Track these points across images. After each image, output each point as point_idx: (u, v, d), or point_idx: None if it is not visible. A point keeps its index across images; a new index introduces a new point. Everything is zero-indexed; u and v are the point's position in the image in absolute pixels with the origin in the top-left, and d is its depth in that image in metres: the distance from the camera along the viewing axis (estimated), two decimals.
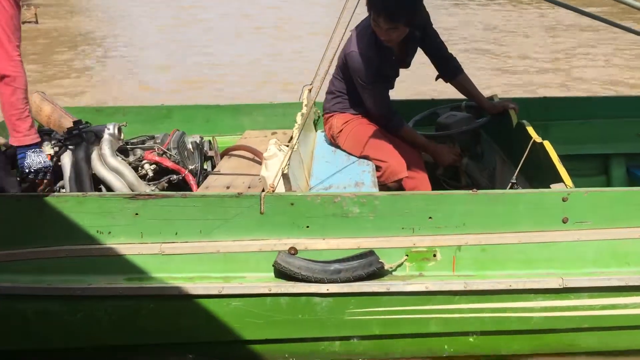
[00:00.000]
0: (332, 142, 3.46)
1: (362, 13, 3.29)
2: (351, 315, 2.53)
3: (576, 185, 4.08)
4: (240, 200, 2.50)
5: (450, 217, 2.50)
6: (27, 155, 2.58)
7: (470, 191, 2.50)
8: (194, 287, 2.51)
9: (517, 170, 2.93)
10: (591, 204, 2.49)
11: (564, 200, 2.47)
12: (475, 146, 3.75)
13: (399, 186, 3.21)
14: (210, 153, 3.49)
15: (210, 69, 8.69)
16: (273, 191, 2.51)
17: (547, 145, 2.86)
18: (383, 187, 3.20)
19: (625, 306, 2.51)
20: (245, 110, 4.04)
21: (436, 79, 3.57)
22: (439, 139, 3.55)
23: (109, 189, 3.00)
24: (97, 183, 3.05)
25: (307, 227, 2.51)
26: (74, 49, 10.34)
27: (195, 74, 8.42)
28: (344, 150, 3.37)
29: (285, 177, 2.56)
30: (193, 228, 2.53)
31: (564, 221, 2.49)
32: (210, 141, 3.58)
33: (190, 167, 3.21)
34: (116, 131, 3.11)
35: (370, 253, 2.47)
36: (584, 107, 3.97)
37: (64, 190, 2.99)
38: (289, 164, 2.61)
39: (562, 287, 2.45)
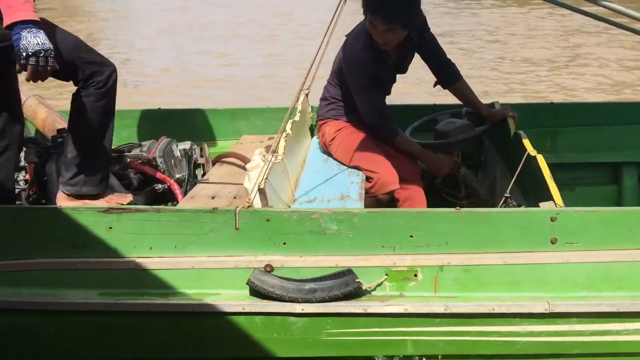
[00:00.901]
0: (325, 150, 3.37)
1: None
2: (328, 335, 2.44)
3: (586, 194, 3.97)
4: (215, 216, 2.43)
5: (433, 236, 2.39)
6: (22, 36, 2.29)
7: (454, 209, 2.39)
8: (167, 304, 2.45)
9: (511, 184, 2.81)
10: (582, 224, 2.36)
11: (552, 220, 2.35)
12: (479, 155, 3.62)
13: (390, 198, 3.11)
14: (201, 160, 3.43)
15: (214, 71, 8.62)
16: (249, 206, 2.43)
17: (540, 159, 2.73)
18: (374, 199, 3.10)
19: (617, 332, 2.37)
20: (243, 114, 3.97)
21: (434, 85, 3.45)
22: (438, 147, 3.43)
23: None
24: None
25: (284, 243, 2.43)
26: None
27: (194, 75, 8.34)
28: (336, 159, 3.27)
29: (261, 192, 2.48)
30: (167, 243, 2.46)
31: (553, 242, 2.37)
32: (201, 148, 3.52)
33: (177, 175, 3.16)
34: None
35: (348, 272, 2.38)
36: (593, 114, 3.82)
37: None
38: (266, 179, 2.53)
39: (548, 311, 2.32)
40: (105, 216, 2.46)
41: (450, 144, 3.36)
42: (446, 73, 3.36)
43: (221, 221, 2.42)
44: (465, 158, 3.60)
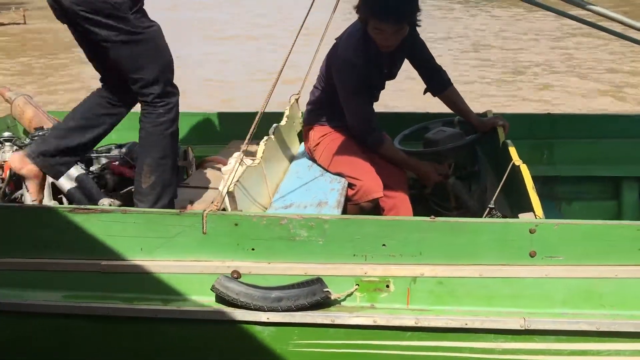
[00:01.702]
0: (310, 156, 3.29)
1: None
2: (295, 347, 2.35)
3: (584, 209, 3.83)
4: (182, 219, 2.35)
5: (406, 245, 2.29)
6: None
7: (428, 218, 2.29)
8: (131, 309, 2.37)
9: (496, 194, 2.71)
10: (562, 238, 2.24)
11: (531, 232, 2.23)
12: (472, 165, 3.52)
13: (374, 206, 3.02)
14: (183, 163, 3.36)
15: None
16: (217, 209, 2.36)
17: (524, 168, 2.63)
18: (357, 206, 3.01)
19: (597, 353, 2.25)
20: (233, 118, 3.91)
21: (424, 92, 3.36)
22: (427, 155, 3.34)
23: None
24: (58, 192, 2.96)
25: (253, 249, 2.35)
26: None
27: (185, 76, 8.31)
28: (320, 165, 3.19)
29: (230, 195, 2.40)
30: (134, 246, 2.39)
31: (532, 255, 2.25)
32: (185, 151, 3.46)
33: None
34: None
35: (316, 281, 2.29)
36: (592, 125, 3.69)
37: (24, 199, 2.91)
38: (237, 182, 2.46)
39: (523, 328, 2.21)
40: (72, 216, 2.39)
41: (439, 153, 3.26)
42: (436, 80, 3.27)
43: (188, 224, 2.35)
44: (458, 168, 3.49)
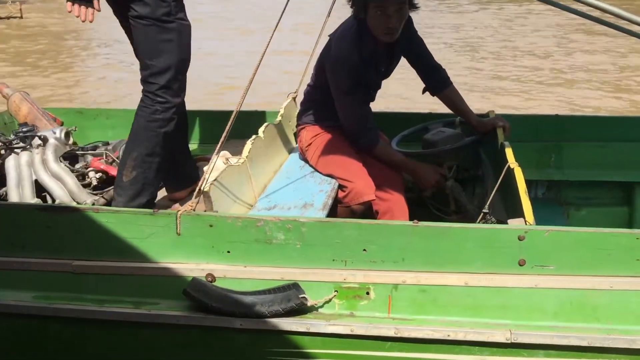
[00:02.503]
0: (303, 156, 3.18)
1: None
2: (270, 355, 2.24)
3: (593, 215, 3.66)
4: (156, 219, 2.26)
5: (387, 251, 2.17)
6: None
7: (411, 222, 2.16)
8: (102, 311, 2.29)
9: (490, 198, 2.56)
10: (553, 246, 2.10)
11: (520, 239, 2.10)
12: (476, 168, 3.37)
13: (365, 209, 2.89)
14: None
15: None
16: (193, 210, 2.26)
17: (517, 171, 2.48)
18: (347, 209, 2.90)
19: None
20: (229, 117, 3.80)
21: (423, 92, 3.22)
22: (424, 157, 3.20)
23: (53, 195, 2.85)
24: (42, 190, 2.90)
25: (228, 252, 2.24)
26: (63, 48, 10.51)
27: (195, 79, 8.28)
28: (312, 166, 3.08)
29: (205, 195, 2.31)
30: (106, 246, 2.31)
31: (521, 264, 2.12)
32: None
33: None
34: (62, 135, 2.95)
35: (292, 286, 2.18)
36: (602, 128, 3.51)
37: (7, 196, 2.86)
38: (214, 182, 2.36)
39: (509, 341, 2.07)
40: (44, 215, 2.32)
41: (436, 154, 3.13)
42: (435, 78, 3.14)
43: (162, 225, 2.26)
44: (460, 171, 3.35)
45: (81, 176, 2.90)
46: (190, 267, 2.26)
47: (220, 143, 2.33)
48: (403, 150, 3.14)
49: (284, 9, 2.39)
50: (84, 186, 2.87)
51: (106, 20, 3.56)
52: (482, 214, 2.58)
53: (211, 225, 2.23)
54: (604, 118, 3.62)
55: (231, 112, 3.93)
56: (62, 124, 3.56)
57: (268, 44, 2.32)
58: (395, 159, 3.04)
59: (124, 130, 3.72)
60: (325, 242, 2.19)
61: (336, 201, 2.90)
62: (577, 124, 3.53)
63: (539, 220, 3.44)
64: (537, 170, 3.58)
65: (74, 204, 2.84)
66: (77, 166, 2.92)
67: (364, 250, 2.17)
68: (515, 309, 2.12)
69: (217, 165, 2.66)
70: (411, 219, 3.22)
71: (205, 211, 2.33)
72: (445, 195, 3.27)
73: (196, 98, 7.17)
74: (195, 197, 2.27)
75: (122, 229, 2.29)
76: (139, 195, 2.62)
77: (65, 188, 2.82)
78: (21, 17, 13.85)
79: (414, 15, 2.98)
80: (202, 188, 2.29)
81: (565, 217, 3.55)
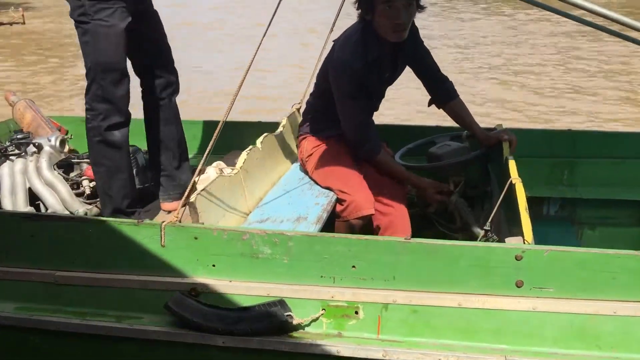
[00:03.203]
0: (303, 167, 3.09)
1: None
2: None
3: (608, 235, 3.50)
4: (140, 230, 2.19)
5: (378, 268, 2.06)
6: None
7: (403, 239, 2.06)
8: (83, 325, 2.21)
9: (492, 215, 2.45)
10: (553, 267, 1.97)
11: (517, 258, 1.98)
12: (485, 184, 3.25)
13: (364, 224, 2.79)
14: None
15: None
16: (178, 221, 2.18)
17: (518, 186, 2.36)
18: (346, 223, 2.80)
19: None
20: (235, 127, 3.73)
21: (429, 104, 3.12)
22: (428, 171, 3.10)
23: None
24: (37, 198, 2.85)
25: (213, 265, 2.16)
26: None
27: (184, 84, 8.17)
28: (311, 178, 2.99)
29: (190, 206, 2.23)
30: (90, 256, 2.24)
31: (518, 285, 1.99)
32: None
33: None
34: (57, 143, 2.91)
35: (277, 303, 2.08)
36: (618, 144, 3.37)
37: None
38: (202, 192, 2.28)
39: None
40: (28, 223, 2.27)
41: (441, 169, 3.02)
42: (440, 90, 3.03)
43: (146, 236, 2.18)
44: (468, 187, 3.24)
45: (75, 184, 2.84)
46: (175, 280, 2.18)
47: (207, 151, 2.25)
48: (407, 164, 3.03)
49: (273, 16, 2.31)
50: (77, 195, 2.82)
51: None
52: (483, 231, 2.47)
53: (196, 238, 2.15)
54: (619, 134, 3.47)
55: (235, 122, 3.91)
56: (67, 133, 3.53)
57: (255, 54, 2.23)
58: (396, 171, 2.94)
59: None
60: (313, 257, 2.09)
61: (334, 215, 2.80)
62: (591, 140, 3.39)
63: (549, 240, 3.33)
64: (549, 187, 3.45)
65: (66, 212, 2.79)
66: (72, 174, 2.87)
67: (353, 266, 2.07)
68: (511, 333, 2.00)
69: (210, 175, 2.60)
70: (415, 235, 3.13)
71: (191, 222, 2.25)
72: (451, 211, 3.16)
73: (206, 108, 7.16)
74: (181, 208, 2.20)
75: (106, 240, 2.22)
76: (104, 205, 2.56)
77: (57, 196, 2.77)
78: (23, 23, 14.03)
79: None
80: (188, 198, 2.21)
81: (577, 236, 3.40)
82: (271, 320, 2.06)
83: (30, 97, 4.03)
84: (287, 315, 2.06)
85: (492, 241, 2.43)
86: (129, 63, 2.74)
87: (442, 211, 3.17)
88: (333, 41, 2.98)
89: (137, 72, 2.77)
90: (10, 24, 14.32)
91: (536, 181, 3.43)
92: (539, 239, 3.29)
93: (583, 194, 3.40)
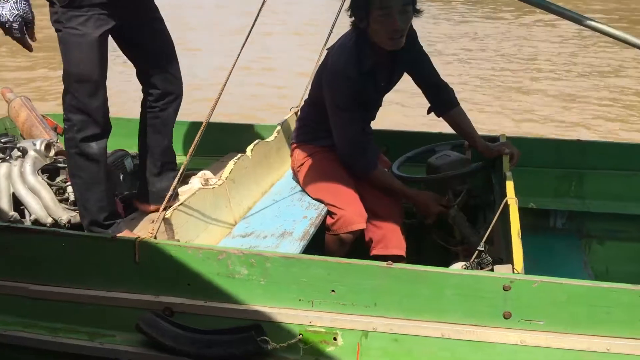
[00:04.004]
0: (295, 177, 2.98)
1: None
2: None
3: (617, 251, 3.34)
4: (114, 245, 2.11)
5: (358, 293, 1.96)
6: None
7: (385, 263, 1.94)
8: (55, 342, 2.14)
9: (486, 235, 2.32)
10: (543, 299, 1.85)
11: (505, 289, 1.86)
12: (488, 195, 3.11)
13: (355, 238, 2.68)
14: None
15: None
16: (153, 237, 2.09)
17: (513, 208, 2.23)
18: (336, 237, 2.69)
19: None
20: (233, 130, 3.64)
21: (428, 112, 2.99)
22: (426, 183, 2.97)
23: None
24: (21, 203, 2.78)
25: (188, 285, 2.07)
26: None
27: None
28: (302, 189, 2.88)
29: (166, 222, 2.14)
30: (65, 271, 2.17)
31: (506, 316, 1.88)
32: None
33: (126, 192, 2.87)
34: (42, 148, 2.83)
35: (252, 327, 1.99)
36: (629, 155, 3.20)
37: None
38: (180, 206, 2.19)
39: None
40: (3, 236, 2.20)
41: (440, 181, 2.89)
42: (440, 98, 2.90)
43: (120, 252, 2.10)
44: (471, 197, 3.10)
45: (61, 190, 2.77)
46: (149, 298, 2.10)
47: (188, 155, 2.15)
48: (404, 175, 2.91)
49: (256, 18, 2.20)
50: (62, 201, 2.74)
51: None
52: (477, 252, 2.34)
53: (171, 255, 2.06)
54: (632, 145, 3.31)
55: (230, 124, 3.82)
56: (62, 132, 3.46)
57: (238, 56, 2.13)
58: (393, 186, 2.81)
59: (123, 139, 3.60)
60: (290, 280, 1.99)
61: (323, 229, 2.70)
62: (601, 151, 3.24)
63: (554, 253, 3.20)
64: (556, 200, 3.30)
65: (49, 219, 2.72)
66: (58, 179, 2.79)
67: (333, 291, 1.97)
68: None
69: (193, 186, 2.50)
70: (412, 248, 3.03)
71: (167, 239, 2.17)
72: (450, 224, 3.03)
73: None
74: (156, 223, 2.11)
75: (79, 254, 2.15)
76: (82, 217, 2.49)
77: (41, 202, 2.70)
78: None
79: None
80: (164, 214, 2.12)
81: (584, 251, 3.25)
82: (245, 345, 1.96)
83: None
84: (262, 340, 1.97)
85: (486, 262, 2.30)
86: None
87: (441, 223, 3.05)
88: (327, 49, 2.86)
89: (138, 77, 2.68)
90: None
91: (543, 192, 3.29)
92: (544, 252, 3.17)
93: (591, 207, 3.25)
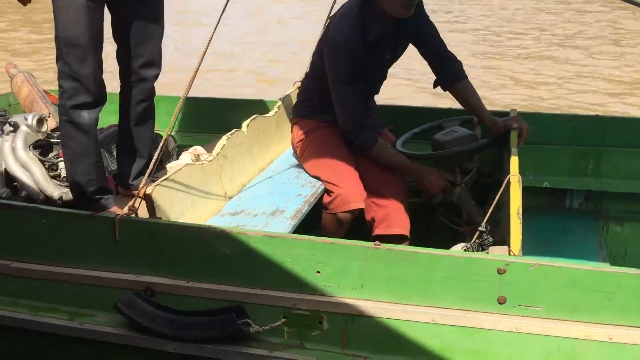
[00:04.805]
0: (294, 153, 2.87)
1: None
2: None
3: (637, 233, 3.17)
4: (94, 222, 2.03)
5: (344, 275, 1.85)
6: None
7: (373, 244, 1.83)
8: (34, 321, 2.08)
9: (488, 214, 2.19)
10: (541, 283, 1.72)
11: (500, 272, 1.73)
12: (501, 173, 2.97)
13: (353, 218, 2.57)
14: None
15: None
16: (134, 214, 2.01)
17: (514, 185, 2.09)
18: (333, 216, 2.57)
19: None
20: (239, 105, 3.53)
21: (434, 85, 2.84)
22: (431, 160, 2.84)
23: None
24: (14, 179, 2.73)
25: (170, 264, 1.99)
26: None
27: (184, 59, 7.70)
28: (301, 165, 2.77)
29: (147, 199, 2.05)
30: (45, 249, 2.10)
31: (500, 302, 1.75)
32: (172, 138, 3.11)
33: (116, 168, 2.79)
34: (34, 122, 2.76)
35: (234, 309, 1.90)
36: None
37: None
38: (163, 182, 2.10)
39: None
40: None
41: (445, 157, 2.75)
42: (446, 70, 2.75)
43: (100, 230, 2.02)
44: (483, 175, 2.96)
45: (54, 166, 2.70)
46: (129, 278, 2.02)
47: (166, 134, 2.05)
48: (406, 152, 2.78)
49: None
50: (54, 177, 2.68)
51: None
52: (478, 232, 2.22)
53: (151, 234, 1.98)
54: None
55: (233, 99, 3.71)
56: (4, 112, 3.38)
57: (211, 38, 2.00)
58: (395, 162, 2.68)
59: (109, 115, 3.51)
60: (274, 260, 1.89)
61: (321, 207, 2.59)
62: (620, 127, 3.05)
63: (569, 235, 3.04)
64: (572, 178, 3.14)
65: (41, 196, 2.66)
66: (51, 155, 2.73)
67: (318, 272, 1.86)
68: (491, 356, 1.76)
69: (182, 162, 2.41)
70: (417, 228, 2.90)
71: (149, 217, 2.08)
72: (457, 204, 2.90)
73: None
74: (136, 200, 2.02)
75: (61, 232, 2.07)
76: (72, 190, 2.43)
77: (32, 178, 2.64)
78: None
79: None
80: (144, 190, 2.03)
81: (600, 232, 3.09)
82: (225, 327, 1.88)
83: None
84: (244, 323, 1.87)
85: (487, 243, 2.17)
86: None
87: (447, 202, 2.91)
88: (329, 17, 2.73)
89: (119, 55, 2.59)
90: None
91: (558, 171, 3.13)
92: (557, 233, 3.02)
93: (609, 187, 3.08)
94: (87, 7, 2.25)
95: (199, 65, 1.97)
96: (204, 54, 1.97)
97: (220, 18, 1.99)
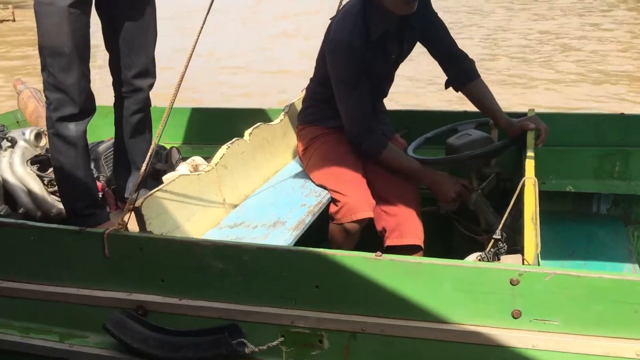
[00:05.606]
0: (300, 162, 2.75)
1: None
2: None
3: None
4: (82, 238, 1.93)
5: (345, 290, 1.72)
6: None
7: (374, 254, 1.69)
8: (23, 343, 1.99)
9: (503, 220, 2.04)
10: (559, 295, 1.56)
11: (513, 283, 1.58)
12: (521, 176, 2.80)
13: (361, 228, 2.43)
14: (163, 166, 2.91)
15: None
16: (123, 228, 1.90)
17: (529, 188, 1.94)
18: (340, 227, 2.44)
19: None
20: (251, 115, 3.42)
21: (446, 86, 2.70)
22: (449, 165, 2.69)
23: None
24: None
25: (162, 281, 1.88)
26: None
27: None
28: (307, 174, 2.64)
29: (136, 212, 1.94)
30: (33, 267, 2.01)
31: (515, 316, 1.60)
32: (167, 153, 3.02)
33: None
34: (32, 137, 2.69)
35: (227, 329, 1.77)
36: None
37: None
38: (154, 194, 1.99)
39: None
40: None
41: (459, 162, 2.60)
42: (457, 70, 2.60)
43: (89, 246, 1.92)
44: (503, 179, 2.80)
45: (53, 181, 2.62)
46: (121, 296, 1.91)
47: (154, 143, 1.94)
48: (418, 157, 2.63)
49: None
50: (53, 193, 2.59)
51: None
52: (492, 240, 2.07)
53: (141, 249, 1.87)
54: None
55: (244, 109, 3.61)
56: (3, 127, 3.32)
57: (195, 43, 1.88)
58: (406, 167, 2.54)
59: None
60: (271, 274, 1.77)
61: (325, 217, 2.45)
62: None
63: (596, 242, 2.85)
64: (598, 182, 2.96)
65: (39, 212, 2.58)
66: (50, 170, 2.65)
67: (317, 287, 1.73)
68: None
69: (179, 172, 2.31)
70: (432, 237, 2.74)
71: (139, 231, 1.97)
72: (474, 211, 2.74)
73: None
74: (125, 213, 1.91)
75: (48, 249, 1.98)
76: (64, 206, 2.35)
77: (31, 195, 2.56)
78: (13, 20, 14.20)
79: None
80: (134, 203, 1.93)
81: (629, 239, 2.90)
82: (217, 348, 1.75)
83: None
84: (239, 343, 1.75)
85: (502, 252, 2.02)
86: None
87: (464, 210, 2.76)
88: (330, 19, 2.61)
89: (111, 64, 2.50)
90: (1, 21, 14.58)
91: (582, 174, 2.95)
92: (583, 240, 2.84)
93: (637, 190, 2.90)
94: (69, 13, 2.16)
95: (185, 69, 1.86)
96: (190, 57, 1.86)
97: (204, 20, 1.87)
